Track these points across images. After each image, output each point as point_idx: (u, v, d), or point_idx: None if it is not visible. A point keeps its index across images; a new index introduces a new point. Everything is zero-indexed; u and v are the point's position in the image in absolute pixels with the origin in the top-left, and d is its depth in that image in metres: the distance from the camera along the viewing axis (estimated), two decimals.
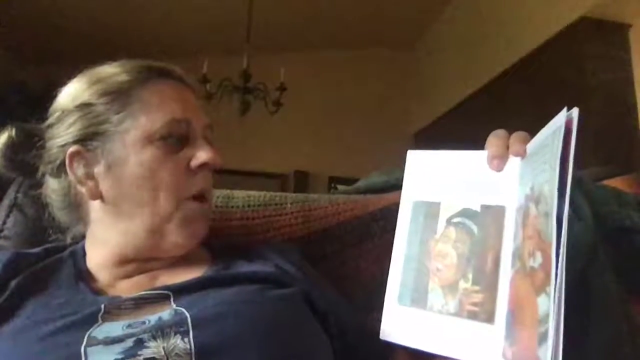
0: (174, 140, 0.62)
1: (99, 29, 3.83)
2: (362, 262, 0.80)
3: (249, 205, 0.81)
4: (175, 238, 0.62)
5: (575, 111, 0.42)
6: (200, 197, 0.64)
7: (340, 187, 3.98)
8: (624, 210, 0.83)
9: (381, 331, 0.55)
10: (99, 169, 0.62)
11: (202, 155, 0.63)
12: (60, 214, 0.68)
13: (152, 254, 0.63)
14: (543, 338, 0.39)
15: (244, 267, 0.64)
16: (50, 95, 0.67)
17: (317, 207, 0.83)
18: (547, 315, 0.39)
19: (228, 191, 0.84)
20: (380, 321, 0.56)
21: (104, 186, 0.62)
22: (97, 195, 0.62)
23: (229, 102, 3.33)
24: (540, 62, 2.85)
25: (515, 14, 3.14)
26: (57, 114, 0.65)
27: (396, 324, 0.55)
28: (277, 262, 0.66)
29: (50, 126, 0.65)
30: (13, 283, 0.58)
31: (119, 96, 0.62)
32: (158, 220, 0.61)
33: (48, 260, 0.64)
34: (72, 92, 0.65)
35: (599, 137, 2.44)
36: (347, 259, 0.81)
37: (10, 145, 0.66)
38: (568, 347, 0.37)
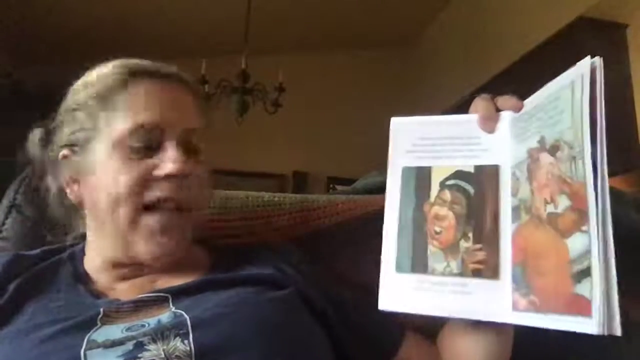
0: (140, 147, 0.59)
1: (97, 29, 3.82)
2: (361, 263, 0.80)
3: (247, 206, 0.81)
4: (141, 249, 0.59)
5: (598, 60, 0.42)
6: (156, 207, 0.59)
7: (339, 187, 3.98)
8: (623, 209, 0.84)
9: (380, 302, 0.54)
10: (80, 175, 0.62)
11: (167, 165, 0.58)
12: (61, 212, 0.68)
13: (136, 260, 0.61)
14: (583, 275, 0.40)
15: (243, 270, 0.64)
16: (46, 94, 0.67)
17: (315, 208, 0.83)
18: (587, 252, 0.40)
19: (227, 192, 0.83)
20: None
21: (83, 192, 0.63)
22: (80, 201, 0.63)
23: (228, 102, 3.32)
24: (539, 61, 2.85)
25: (514, 14, 3.15)
26: (58, 115, 0.66)
27: (396, 292, 0.53)
28: (276, 263, 0.66)
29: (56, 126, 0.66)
30: (12, 285, 0.58)
31: (99, 102, 0.62)
32: (120, 231, 0.59)
33: (47, 262, 0.64)
34: (68, 95, 0.66)
35: None
36: (346, 259, 0.81)
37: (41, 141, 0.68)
38: (566, 344, 0.37)
